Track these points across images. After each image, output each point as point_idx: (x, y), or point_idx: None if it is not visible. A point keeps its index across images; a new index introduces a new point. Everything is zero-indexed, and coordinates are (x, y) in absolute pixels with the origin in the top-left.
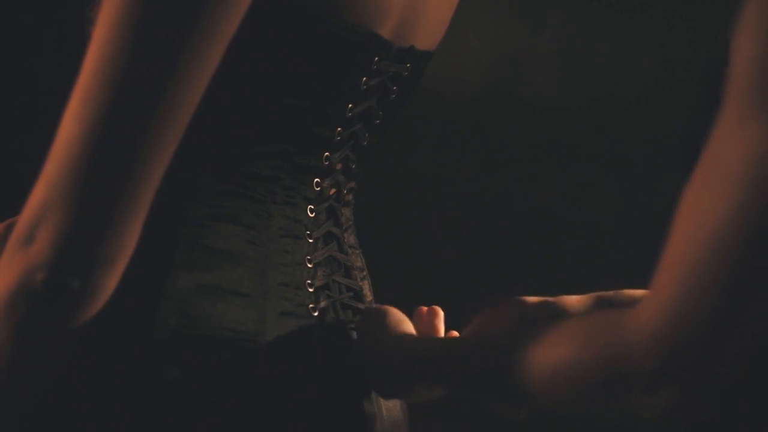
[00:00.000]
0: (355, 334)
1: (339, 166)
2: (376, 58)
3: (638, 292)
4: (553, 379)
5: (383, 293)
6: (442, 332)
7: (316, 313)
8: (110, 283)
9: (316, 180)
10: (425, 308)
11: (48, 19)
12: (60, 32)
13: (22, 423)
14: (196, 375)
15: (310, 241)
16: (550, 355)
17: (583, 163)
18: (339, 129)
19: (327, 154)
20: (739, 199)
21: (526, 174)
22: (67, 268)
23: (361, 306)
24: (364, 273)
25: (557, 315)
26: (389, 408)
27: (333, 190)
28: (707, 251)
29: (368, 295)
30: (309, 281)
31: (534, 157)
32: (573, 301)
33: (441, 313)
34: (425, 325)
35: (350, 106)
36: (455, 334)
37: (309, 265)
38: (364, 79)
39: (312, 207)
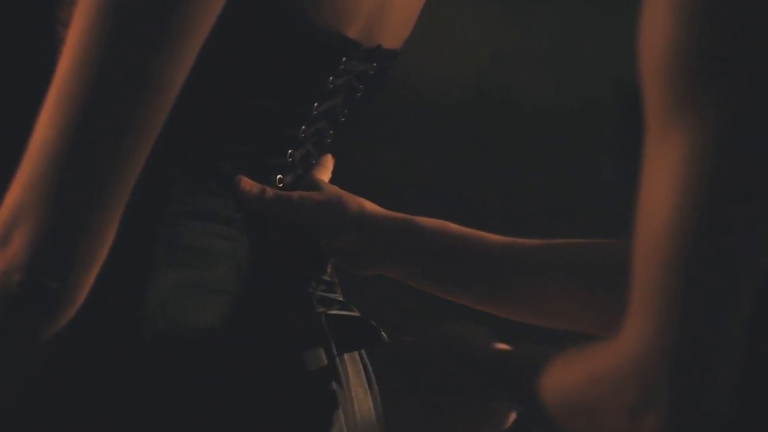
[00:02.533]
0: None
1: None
2: (344, 59)
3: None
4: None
5: (380, 293)
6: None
7: (295, 306)
8: (87, 283)
9: (278, 176)
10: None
11: (48, 20)
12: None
13: (1, 424)
14: (179, 374)
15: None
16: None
17: (578, 163)
18: (303, 127)
19: (290, 151)
20: (676, 216)
21: (519, 174)
22: (43, 270)
23: (333, 296)
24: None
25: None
26: (362, 409)
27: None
28: (660, 269)
29: (337, 284)
30: (282, 273)
31: (528, 158)
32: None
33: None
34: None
35: (316, 104)
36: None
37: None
38: (331, 78)
39: None
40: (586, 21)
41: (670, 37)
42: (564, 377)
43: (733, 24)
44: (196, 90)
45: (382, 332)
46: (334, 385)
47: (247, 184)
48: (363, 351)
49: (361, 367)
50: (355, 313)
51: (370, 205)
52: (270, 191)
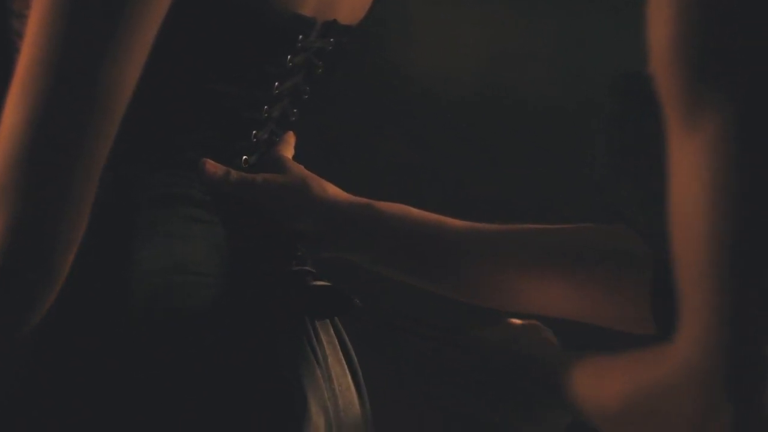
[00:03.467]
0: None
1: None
2: (300, 36)
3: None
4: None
5: (381, 293)
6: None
7: (275, 283)
8: (63, 269)
9: (244, 158)
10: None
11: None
12: None
13: None
14: (167, 360)
15: None
16: (589, 384)
17: (580, 162)
18: (266, 107)
19: (255, 132)
20: (711, 213)
21: (522, 173)
22: (22, 255)
23: (306, 269)
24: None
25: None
26: (342, 386)
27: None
28: (705, 269)
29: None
30: (258, 252)
31: (530, 157)
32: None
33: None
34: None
35: (276, 84)
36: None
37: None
38: (289, 57)
39: None
40: (590, 20)
41: (678, 29)
42: (610, 387)
43: (738, 8)
44: (154, 78)
45: (355, 300)
46: (312, 359)
47: (212, 166)
48: (341, 331)
49: (337, 343)
50: (327, 283)
51: (332, 188)
52: (234, 174)
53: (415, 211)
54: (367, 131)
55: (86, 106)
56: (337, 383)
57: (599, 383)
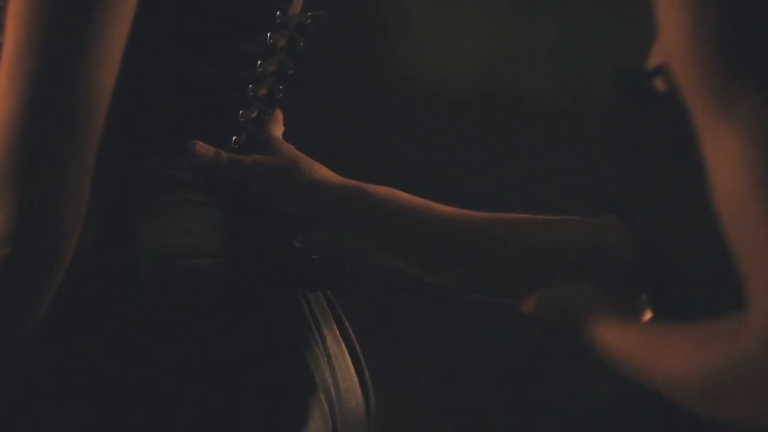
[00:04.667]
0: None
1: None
2: (278, 12)
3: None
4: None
5: (382, 293)
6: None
7: (275, 263)
8: (69, 250)
9: (234, 137)
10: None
11: None
12: None
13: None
14: (174, 347)
15: None
16: (644, 357)
17: (579, 159)
18: (251, 86)
19: (242, 111)
20: (761, 191)
21: (523, 173)
22: (29, 240)
23: (296, 244)
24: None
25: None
26: (341, 366)
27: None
28: (761, 248)
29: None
30: (253, 232)
31: (531, 157)
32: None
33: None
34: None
35: (260, 62)
36: None
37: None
38: (269, 34)
39: None
40: (588, 18)
41: (695, 21)
42: (677, 357)
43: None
44: (134, 61)
45: (346, 268)
46: (312, 342)
47: (202, 148)
48: (340, 315)
49: (334, 324)
50: (317, 257)
51: (322, 170)
52: (224, 155)
53: (402, 194)
54: (366, 129)
55: (77, 83)
56: (336, 363)
57: (662, 353)
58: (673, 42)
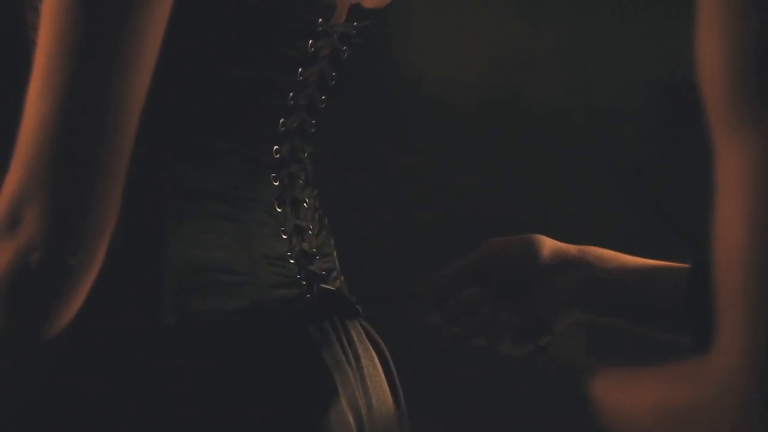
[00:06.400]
0: (345, 297)
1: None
2: (320, 20)
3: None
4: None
5: (383, 294)
6: None
7: (304, 283)
8: (99, 257)
9: (275, 147)
10: None
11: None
12: None
13: (25, 404)
14: (194, 358)
15: (279, 210)
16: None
17: (585, 167)
18: (291, 94)
19: (282, 120)
20: (753, 225)
21: (528, 178)
22: (61, 244)
23: (334, 273)
24: (331, 241)
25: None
26: (375, 386)
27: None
28: (745, 281)
29: (335, 256)
30: (288, 252)
31: (536, 162)
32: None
33: None
34: None
35: (300, 70)
36: None
37: (284, 236)
38: (311, 41)
39: (274, 175)
40: (595, 25)
41: (728, 45)
42: (643, 398)
43: None
44: (171, 63)
45: (358, 306)
46: (343, 358)
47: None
48: (371, 332)
49: (368, 344)
50: (334, 288)
51: (551, 242)
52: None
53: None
54: (372, 136)
55: (112, 86)
56: (370, 382)
57: (629, 394)
58: (703, 60)
